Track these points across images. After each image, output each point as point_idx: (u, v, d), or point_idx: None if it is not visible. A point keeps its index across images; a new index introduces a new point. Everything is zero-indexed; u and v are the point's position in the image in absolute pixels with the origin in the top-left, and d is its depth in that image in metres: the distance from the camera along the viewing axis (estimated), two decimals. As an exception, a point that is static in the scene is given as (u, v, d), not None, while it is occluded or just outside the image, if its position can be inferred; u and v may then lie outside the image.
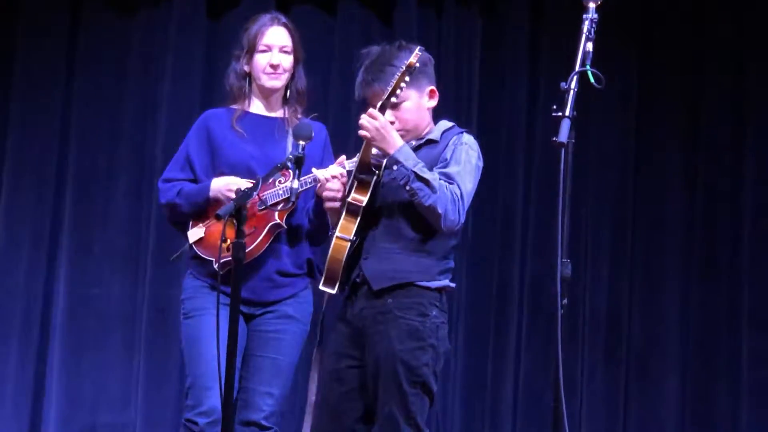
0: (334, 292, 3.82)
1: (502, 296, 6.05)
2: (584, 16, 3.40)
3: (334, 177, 3.92)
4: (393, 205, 3.81)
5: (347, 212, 3.80)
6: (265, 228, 4.15)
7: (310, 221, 4.24)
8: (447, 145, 3.85)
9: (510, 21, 6.17)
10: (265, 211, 4.13)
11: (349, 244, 3.78)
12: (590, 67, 3.32)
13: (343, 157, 4.00)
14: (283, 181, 4.11)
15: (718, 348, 6.04)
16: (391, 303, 3.75)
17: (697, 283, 6.08)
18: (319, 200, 4.07)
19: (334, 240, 3.78)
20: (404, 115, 3.83)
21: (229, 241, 3.84)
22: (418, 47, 3.74)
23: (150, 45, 6.12)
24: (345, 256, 3.78)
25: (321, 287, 3.83)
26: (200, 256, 4.21)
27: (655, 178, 6.14)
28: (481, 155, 3.89)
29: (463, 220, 3.79)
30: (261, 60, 4.28)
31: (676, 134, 6.15)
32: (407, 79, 3.71)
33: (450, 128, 3.93)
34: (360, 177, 3.81)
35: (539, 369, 5.92)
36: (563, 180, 3.25)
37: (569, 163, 3.26)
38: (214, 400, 4.07)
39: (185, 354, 4.25)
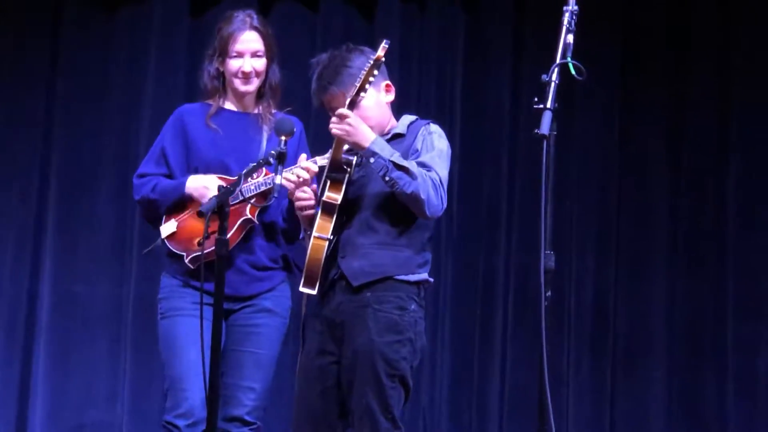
0: (314, 292, 3.80)
1: (487, 288, 6.06)
2: (564, 8, 3.40)
3: (300, 179, 3.91)
4: (365, 201, 3.82)
5: (323, 211, 3.79)
6: (236, 223, 4.14)
7: (284, 220, 4.23)
8: (416, 137, 3.86)
9: (493, 15, 6.17)
10: (237, 206, 4.12)
11: (327, 243, 3.77)
12: (571, 58, 3.33)
13: (303, 155, 4.01)
14: (255, 177, 4.11)
15: (704, 338, 6.06)
16: (370, 296, 3.75)
17: (682, 274, 6.09)
18: (291, 203, 4.07)
19: (312, 240, 3.77)
20: (365, 113, 3.82)
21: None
22: (385, 41, 3.73)
23: (133, 43, 6.12)
24: (324, 255, 3.77)
25: (301, 288, 3.81)
26: (174, 253, 4.20)
27: (639, 169, 6.16)
28: (448, 143, 3.91)
29: (445, 205, 3.80)
30: (233, 66, 4.27)
31: (660, 126, 6.16)
32: (376, 72, 3.72)
33: (414, 121, 3.95)
34: (332, 176, 3.81)
35: (526, 361, 5.92)
36: (545, 172, 3.25)
37: (552, 155, 3.26)
38: (192, 401, 4.07)
39: (163, 355, 4.23)
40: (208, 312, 3.77)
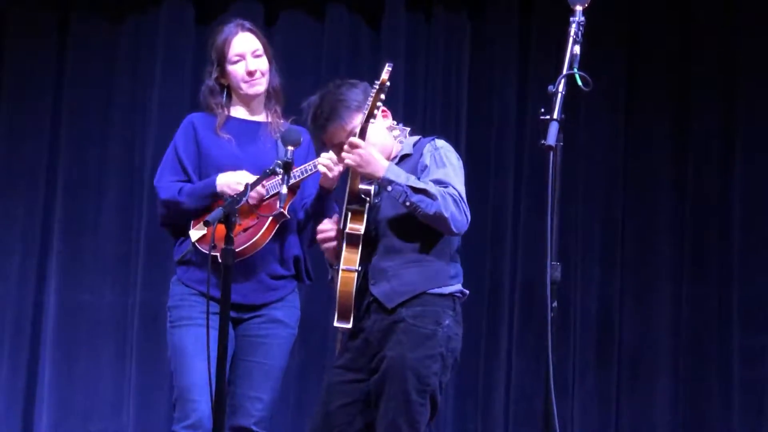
0: (350, 326, 3.77)
1: (493, 298, 6.05)
2: (571, 19, 3.40)
3: (335, 164, 3.93)
4: (385, 225, 3.81)
5: (348, 244, 3.77)
6: (268, 218, 4.12)
7: (306, 212, 4.21)
8: (422, 154, 3.84)
9: (499, 25, 6.17)
10: (268, 201, 4.11)
11: (355, 274, 3.75)
12: (578, 69, 3.32)
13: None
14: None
15: (709, 348, 6.04)
16: (404, 312, 3.73)
17: (687, 284, 6.08)
18: (320, 193, 4.09)
19: (340, 274, 3.74)
20: (371, 139, 3.77)
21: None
22: (388, 63, 3.72)
23: (139, 51, 6.12)
24: (354, 287, 3.75)
25: (336, 324, 3.77)
26: (186, 261, 4.20)
27: (644, 179, 6.15)
28: (458, 155, 3.90)
29: (469, 218, 3.78)
30: (237, 70, 4.27)
31: (665, 135, 6.15)
32: (383, 96, 3.70)
33: (419, 140, 3.93)
34: (352, 207, 3.79)
35: (531, 370, 5.91)
36: (552, 183, 3.25)
37: (558, 165, 3.26)
38: (201, 412, 4.06)
39: (172, 364, 4.23)
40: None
